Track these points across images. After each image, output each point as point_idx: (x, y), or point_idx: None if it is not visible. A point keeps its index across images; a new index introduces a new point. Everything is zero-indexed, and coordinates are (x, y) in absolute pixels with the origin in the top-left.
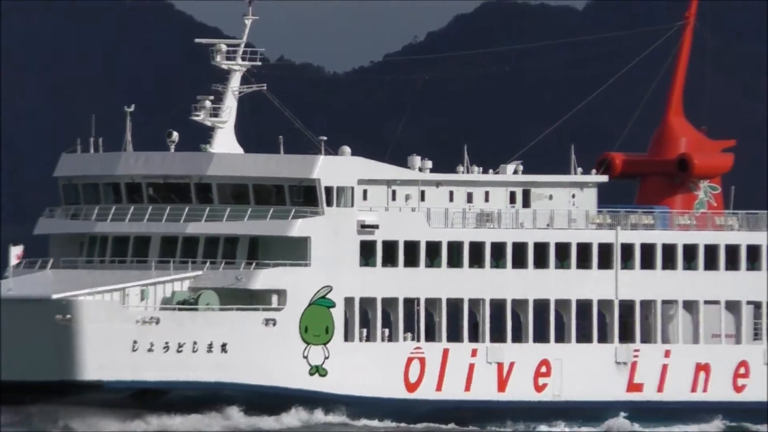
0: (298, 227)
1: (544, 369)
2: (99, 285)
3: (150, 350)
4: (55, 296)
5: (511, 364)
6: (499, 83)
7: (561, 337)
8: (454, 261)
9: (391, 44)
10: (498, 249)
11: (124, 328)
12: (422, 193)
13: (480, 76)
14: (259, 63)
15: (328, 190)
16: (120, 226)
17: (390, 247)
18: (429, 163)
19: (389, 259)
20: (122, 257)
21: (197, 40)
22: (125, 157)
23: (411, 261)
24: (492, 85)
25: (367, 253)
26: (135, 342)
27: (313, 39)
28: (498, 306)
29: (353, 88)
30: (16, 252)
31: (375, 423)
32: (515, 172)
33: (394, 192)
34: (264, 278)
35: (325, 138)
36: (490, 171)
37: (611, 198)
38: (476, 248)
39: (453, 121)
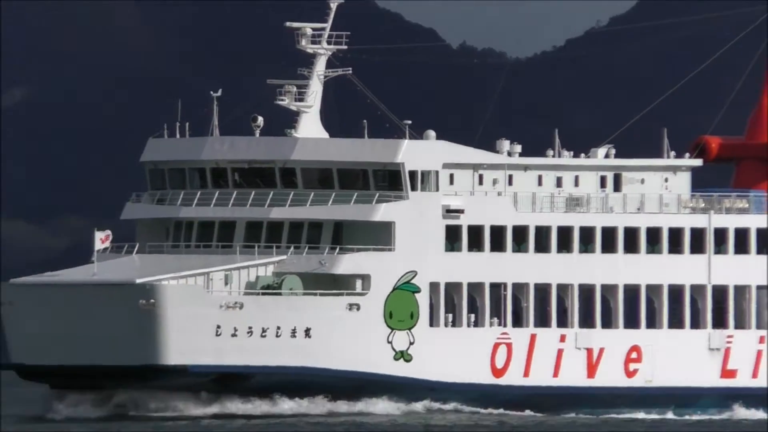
0: (382, 212)
1: (635, 355)
2: (183, 270)
3: (233, 335)
4: (138, 281)
5: (601, 350)
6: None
7: (652, 323)
8: (542, 246)
9: (573, 29)
10: (587, 233)
11: (207, 313)
12: (510, 178)
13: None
14: (345, 47)
15: (413, 174)
16: (205, 211)
17: (476, 231)
18: (518, 147)
19: (475, 244)
20: (207, 242)
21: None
22: (210, 141)
23: (497, 246)
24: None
25: (452, 238)
26: (218, 327)
27: (496, 24)
28: (587, 291)
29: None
30: (100, 236)
31: (461, 408)
32: (606, 155)
33: (481, 176)
34: (347, 263)
35: (409, 122)
36: (582, 155)
37: (707, 182)
38: (564, 233)
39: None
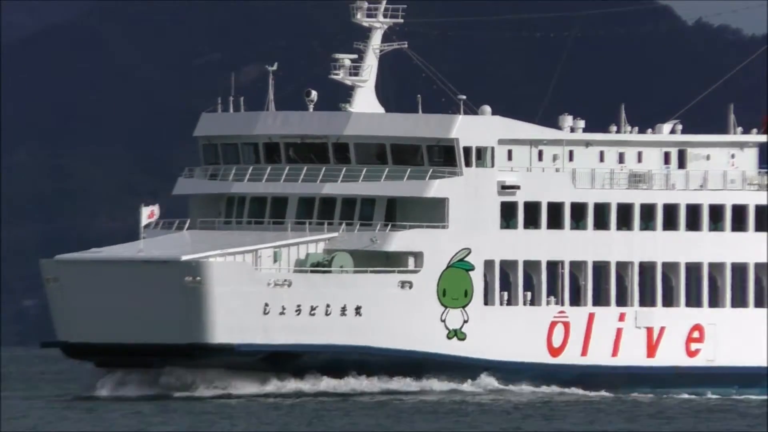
0: (435, 188)
1: (696, 334)
2: (233, 246)
3: (281, 313)
4: (184, 258)
5: (662, 329)
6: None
7: (715, 302)
8: (601, 223)
9: None
10: (648, 210)
11: (255, 291)
12: (570, 153)
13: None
14: (401, 20)
15: (467, 150)
16: (257, 186)
17: (532, 208)
18: (581, 123)
19: (531, 221)
20: (259, 218)
21: None
22: (264, 116)
23: (555, 223)
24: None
25: (508, 215)
26: (266, 305)
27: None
28: (647, 269)
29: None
30: (146, 212)
31: (516, 388)
32: (673, 131)
33: (540, 152)
34: (399, 240)
35: (464, 97)
36: (649, 131)
37: None
38: (624, 210)
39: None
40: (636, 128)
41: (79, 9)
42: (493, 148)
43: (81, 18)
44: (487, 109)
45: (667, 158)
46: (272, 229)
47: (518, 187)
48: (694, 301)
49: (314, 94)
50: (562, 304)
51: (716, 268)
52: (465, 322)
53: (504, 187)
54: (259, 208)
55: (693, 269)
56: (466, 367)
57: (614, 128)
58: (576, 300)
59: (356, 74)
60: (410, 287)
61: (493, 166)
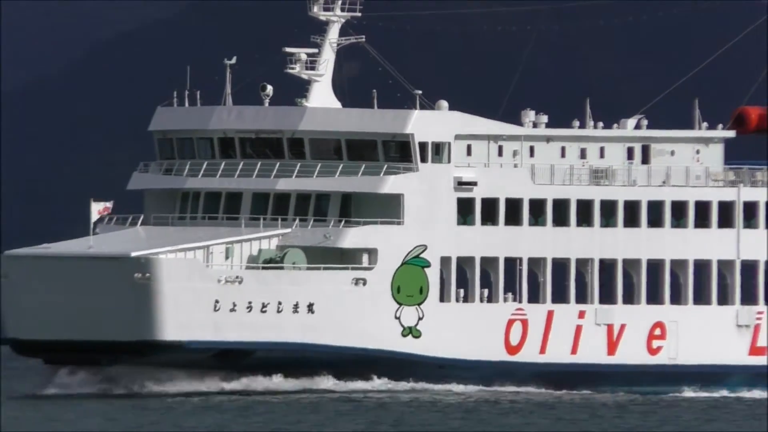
0: (390, 184)
1: (658, 331)
2: (185, 243)
3: (232, 310)
4: (134, 254)
5: (622, 327)
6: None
7: (677, 299)
8: (561, 219)
9: None
10: (608, 207)
11: (205, 287)
12: (531, 149)
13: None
14: (359, 14)
15: (423, 145)
16: (211, 182)
17: (490, 204)
18: (544, 118)
19: (489, 217)
20: (213, 214)
21: None
22: (218, 111)
23: (513, 219)
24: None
25: (464, 211)
26: (216, 302)
27: None
28: (608, 266)
29: None
30: (97, 208)
31: (472, 387)
32: (638, 126)
33: (501, 148)
34: (353, 236)
35: (420, 92)
36: (615, 126)
37: (750, 155)
38: (584, 206)
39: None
40: (601, 123)
41: (167, 9)
42: (449, 144)
43: (169, 16)
44: (444, 104)
45: (630, 154)
46: (226, 224)
47: (475, 183)
48: (655, 298)
49: (270, 88)
50: (520, 302)
51: (678, 265)
52: (420, 319)
53: (461, 183)
54: (213, 203)
55: (655, 266)
56: (421, 366)
57: (577, 123)
58: (534, 297)
59: (312, 68)
60: (364, 284)
61: (449, 161)
